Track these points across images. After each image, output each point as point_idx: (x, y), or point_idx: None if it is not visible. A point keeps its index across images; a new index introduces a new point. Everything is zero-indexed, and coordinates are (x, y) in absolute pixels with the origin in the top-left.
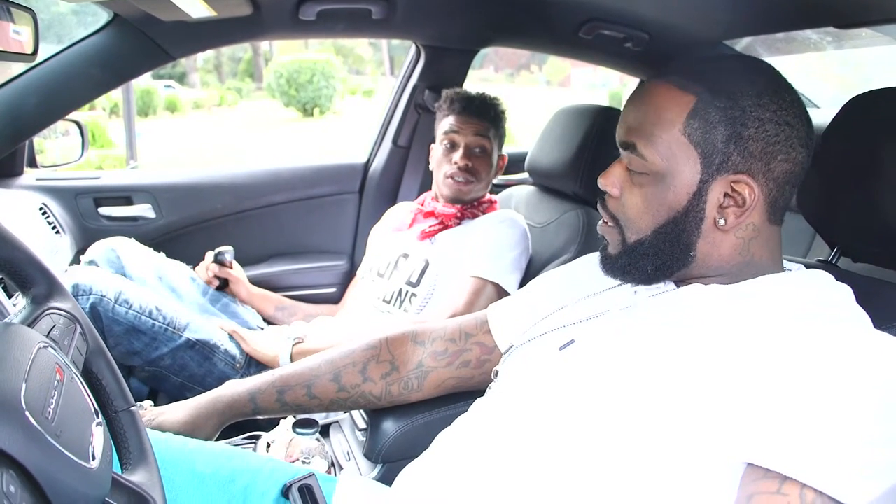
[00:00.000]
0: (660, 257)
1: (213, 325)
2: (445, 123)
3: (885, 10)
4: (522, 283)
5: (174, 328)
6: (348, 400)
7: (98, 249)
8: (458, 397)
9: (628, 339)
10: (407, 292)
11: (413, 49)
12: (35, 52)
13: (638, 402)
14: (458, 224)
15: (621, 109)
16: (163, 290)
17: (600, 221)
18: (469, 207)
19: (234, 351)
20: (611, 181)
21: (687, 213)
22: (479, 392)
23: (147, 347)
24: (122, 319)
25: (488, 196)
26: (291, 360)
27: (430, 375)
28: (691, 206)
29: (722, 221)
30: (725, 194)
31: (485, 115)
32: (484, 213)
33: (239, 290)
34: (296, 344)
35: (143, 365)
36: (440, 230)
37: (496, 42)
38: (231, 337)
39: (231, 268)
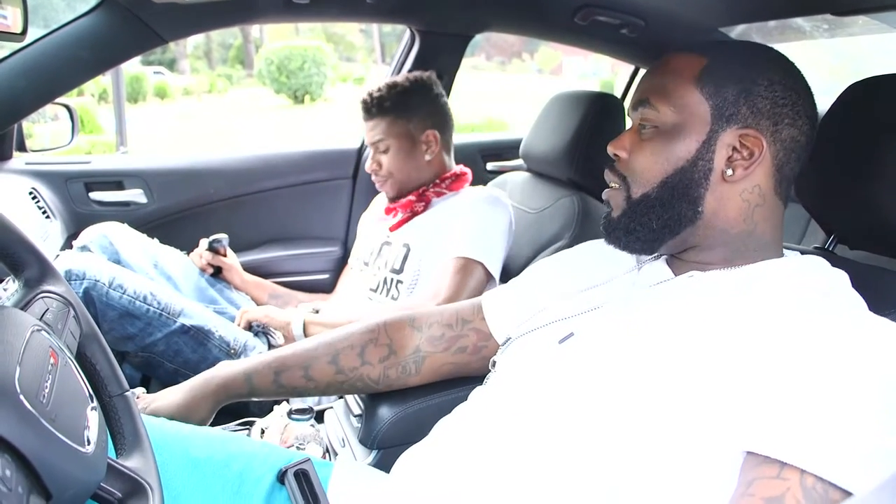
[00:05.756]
0: (666, 210)
1: (209, 311)
2: None
3: None
4: (509, 267)
5: (168, 313)
6: (345, 383)
7: (90, 235)
8: (454, 384)
9: (627, 331)
10: (392, 280)
11: (407, 34)
12: (24, 32)
13: (638, 394)
14: (426, 209)
15: (615, 96)
16: (157, 276)
17: (605, 190)
18: (428, 189)
19: (229, 337)
20: (620, 144)
21: (695, 163)
22: (477, 378)
23: (141, 332)
24: (116, 304)
25: (453, 170)
26: (304, 329)
27: (427, 360)
28: (700, 155)
29: (730, 172)
30: (734, 148)
31: (375, 115)
32: (448, 188)
33: (233, 278)
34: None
35: (137, 350)
36: (409, 218)
37: (491, 27)
38: (226, 324)
39: (225, 255)
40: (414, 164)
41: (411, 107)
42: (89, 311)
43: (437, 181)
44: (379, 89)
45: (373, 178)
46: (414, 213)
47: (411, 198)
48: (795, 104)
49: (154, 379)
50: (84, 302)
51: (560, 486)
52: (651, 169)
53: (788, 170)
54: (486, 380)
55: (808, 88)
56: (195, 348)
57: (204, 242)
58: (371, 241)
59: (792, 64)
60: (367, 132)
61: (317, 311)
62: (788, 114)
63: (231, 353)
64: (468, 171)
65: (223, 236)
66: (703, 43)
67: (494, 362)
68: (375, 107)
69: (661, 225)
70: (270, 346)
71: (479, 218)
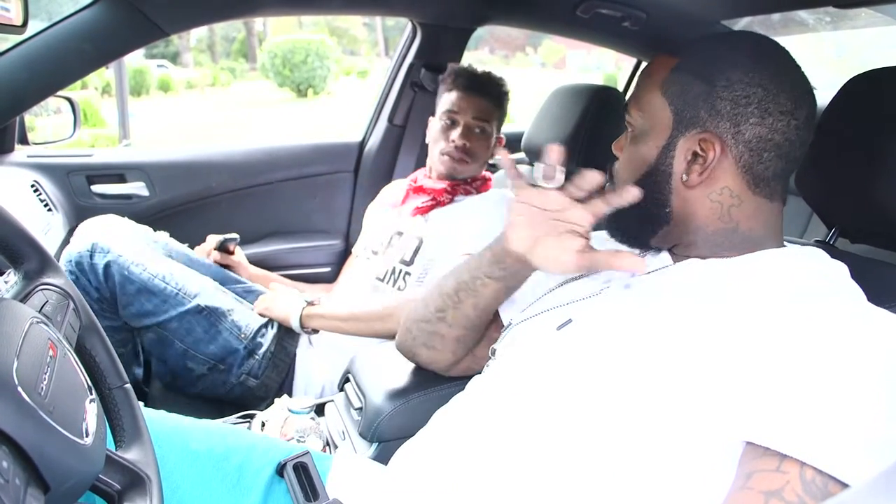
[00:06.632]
0: (639, 209)
1: (227, 296)
2: (447, 99)
3: None
4: None
5: (184, 294)
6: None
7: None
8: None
9: (626, 318)
10: (401, 271)
11: (409, 27)
12: (25, 24)
13: (636, 381)
14: (451, 201)
15: (616, 89)
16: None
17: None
18: (462, 184)
19: (242, 322)
20: (617, 146)
21: (657, 167)
22: (476, 372)
23: (157, 309)
24: (136, 279)
25: (483, 174)
26: (301, 322)
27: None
28: (660, 160)
29: (685, 177)
30: (694, 153)
31: (488, 94)
32: (478, 191)
33: (240, 273)
34: (307, 306)
35: (152, 325)
36: (433, 206)
37: (493, 20)
38: (242, 308)
39: (233, 254)
40: (485, 157)
41: (503, 109)
42: (107, 284)
43: (471, 180)
44: (492, 75)
45: (447, 149)
46: (438, 203)
47: (447, 187)
48: (762, 101)
49: (160, 361)
50: (104, 275)
51: (557, 473)
52: (624, 171)
53: (762, 169)
54: (484, 368)
55: (783, 82)
56: (207, 328)
57: (212, 239)
58: (381, 231)
59: (766, 56)
60: (468, 106)
61: (311, 303)
62: (754, 112)
63: (241, 337)
64: (492, 176)
65: (235, 237)
66: (686, 42)
67: (494, 350)
68: (495, 88)
69: (638, 223)
70: (280, 332)
71: (489, 217)
